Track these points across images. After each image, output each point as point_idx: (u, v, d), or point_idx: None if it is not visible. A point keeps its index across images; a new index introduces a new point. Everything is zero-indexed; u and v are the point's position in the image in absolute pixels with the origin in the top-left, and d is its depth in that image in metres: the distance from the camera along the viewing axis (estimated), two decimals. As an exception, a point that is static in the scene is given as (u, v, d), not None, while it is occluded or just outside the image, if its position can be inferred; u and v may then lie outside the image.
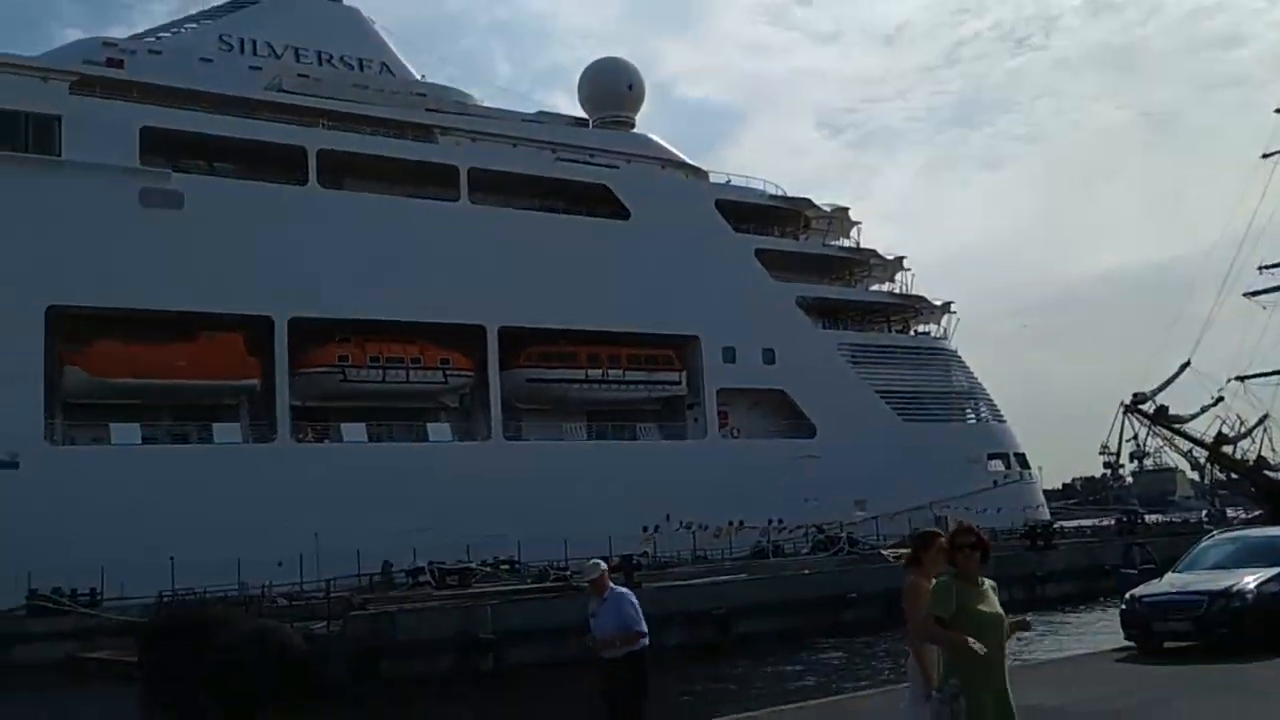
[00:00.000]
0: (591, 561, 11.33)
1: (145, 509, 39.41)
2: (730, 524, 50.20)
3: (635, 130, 62.99)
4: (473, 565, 38.54)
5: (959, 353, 66.87)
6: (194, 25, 54.55)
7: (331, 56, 54.15)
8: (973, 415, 66.49)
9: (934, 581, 6.80)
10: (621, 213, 56.66)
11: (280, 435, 46.35)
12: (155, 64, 49.31)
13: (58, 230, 41.92)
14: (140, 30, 56.03)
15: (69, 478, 39.68)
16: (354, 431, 47.88)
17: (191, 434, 45.38)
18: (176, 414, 45.59)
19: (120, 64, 48.55)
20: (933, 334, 68.07)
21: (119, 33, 56.10)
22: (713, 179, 63.82)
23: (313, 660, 24.58)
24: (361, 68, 54.91)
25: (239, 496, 41.71)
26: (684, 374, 56.85)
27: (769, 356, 58.31)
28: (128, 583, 35.88)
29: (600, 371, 54.47)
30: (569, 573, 35.00)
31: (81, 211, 42.63)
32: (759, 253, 60.29)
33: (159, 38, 53.33)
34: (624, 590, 10.98)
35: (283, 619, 27.87)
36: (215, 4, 55.90)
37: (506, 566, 40.16)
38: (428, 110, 54.90)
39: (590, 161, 57.77)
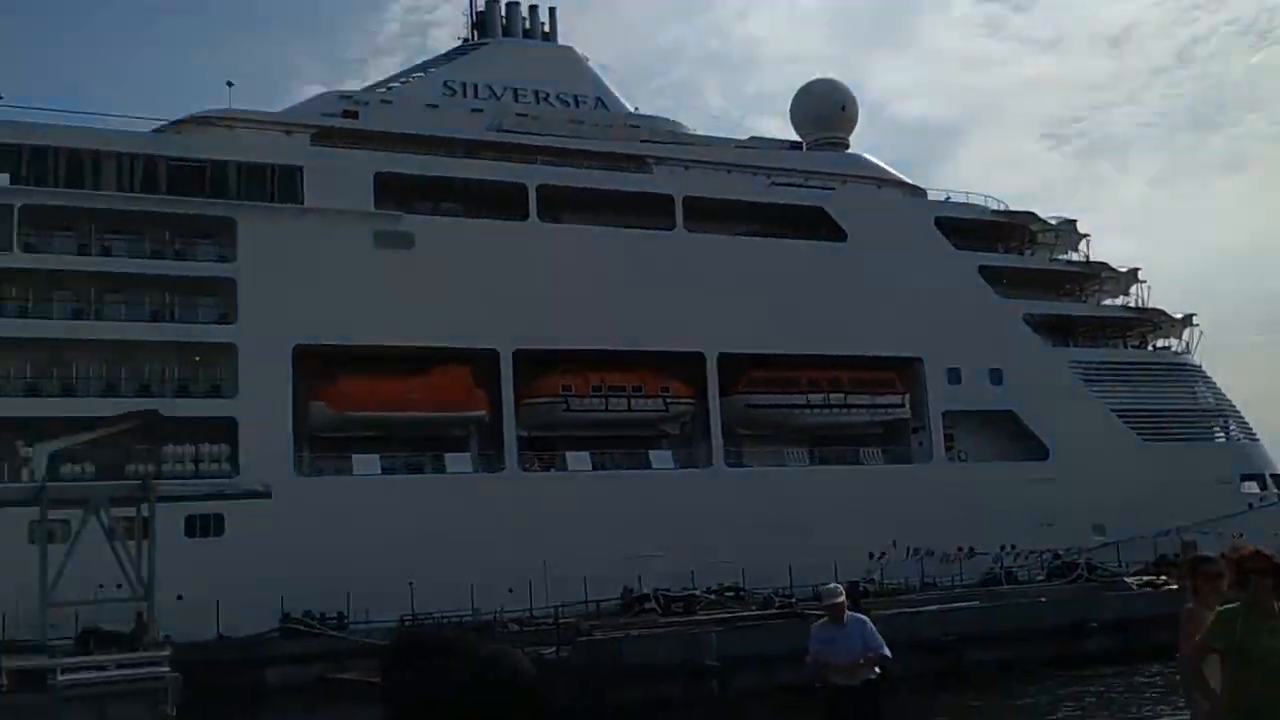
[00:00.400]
0: (830, 586, 11.07)
1: (385, 536, 41.22)
2: (960, 550, 48.63)
3: (849, 151, 62.32)
4: (697, 592, 38.66)
5: (1204, 368, 62.99)
6: (420, 74, 57.23)
7: (548, 95, 55.78)
8: (1221, 434, 62.38)
9: (1217, 610, 6.14)
10: (838, 235, 56.04)
11: (508, 464, 47.70)
12: (386, 113, 51.95)
13: (301, 273, 44.59)
14: (372, 82, 59.18)
15: (316, 507, 41.91)
16: (579, 460, 48.84)
17: (426, 464, 47.19)
18: (412, 445, 47.53)
19: (355, 115, 51.40)
20: (1173, 349, 64.34)
21: (353, 85, 59.44)
22: (931, 196, 62.46)
23: (542, 685, 25.03)
24: (577, 104, 56.35)
25: (471, 524, 43.13)
26: (907, 396, 55.54)
27: (996, 377, 56.39)
28: (372, 607, 37.71)
29: (821, 396, 53.81)
30: (794, 600, 34.67)
31: (322, 255, 45.21)
32: (983, 270, 58.49)
33: (389, 88, 56.17)
34: (862, 615, 10.69)
35: (513, 644, 28.51)
36: (439, 53, 58.68)
37: (731, 593, 40.08)
38: (642, 142, 55.84)
39: (805, 184, 57.44)
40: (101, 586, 31.15)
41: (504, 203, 50.45)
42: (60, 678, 25.00)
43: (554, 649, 27.21)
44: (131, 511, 31.75)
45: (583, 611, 36.15)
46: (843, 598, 10.49)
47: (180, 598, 33.85)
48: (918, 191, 62.31)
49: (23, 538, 34.07)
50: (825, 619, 10.57)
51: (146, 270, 44.48)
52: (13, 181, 43.44)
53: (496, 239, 49.00)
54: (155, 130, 47.85)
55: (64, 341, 42.71)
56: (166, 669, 26.36)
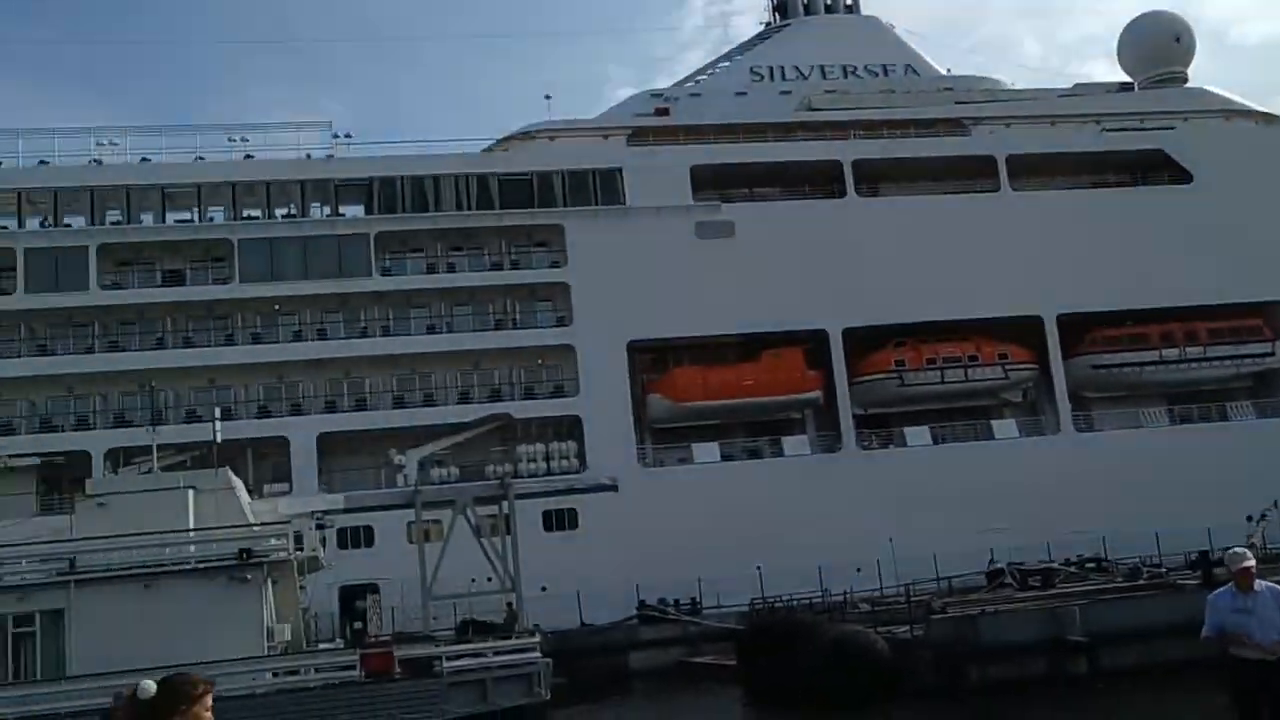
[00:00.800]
0: (1236, 550, 10.04)
1: (730, 522, 41.92)
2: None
3: (1188, 85, 57.66)
4: (1055, 565, 36.96)
5: None
6: (726, 64, 57.82)
7: (856, 68, 54.94)
8: None
9: None
10: (1182, 176, 52.04)
11: (846, 444, 47.43)
12: (696, 106, 52.81)
13: (629, 271, 46.08)
14: (680, 78, 60.29)
15: (661, 496, 43.21)
16: (917, 435, 47.88)
17: (764, 448, 47.67)
18: (748, 430, 48.12)
19: (666, 112, 52.58)
20: None
21: (662, 83, 60.80)
22: (1290, 121, 56.80)
23: (896, 665, 24.71)
24: (886, 73, 55.17)
25: (813, 506, 43.17)
26: (1277, 343, 50.84)
27: (1388, 314, 50.61)
28: (722, 591, 38.53)
29: (1177, 350, 50.16)
30: (1164, 569, 32.58)
31: (648, 251, 46.53)
32: (1360, 196, 52.59)
33: (697, 81, 57.13)
34: (1274, 585, 9.59)
35: (865, 624, 28.31)
36: (743, 40, 59.07)
37: (1092, 564, 38.03)
38: (956, 104, 54.04)
39: (1140, 127, 53.69)
40: (474, 580, 33.50)
41: (820, 181, 50.21)
42: (445, 664, 26.99)
43: (907, 628, 26.76)
44: (494, 509, 33.89)
45: (935, 589, 35.30)
46: (1251, 562, 9.37)
47: (544, 589, 35.84)
48: (1273, 120, 56.84)
49: (403, 538, 37.21)
50: (1228, 586, 9.50)
51: (488, 282, 47.29)
52: (366, 212, 47.42)
53: (816, 219, 48.82)
54: (484, 150, 50.83)
55: (421, 355, 46.10)
56: (538, 655, 27.91)
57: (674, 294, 46.14)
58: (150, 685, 3.34)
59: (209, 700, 3.42)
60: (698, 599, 39.65)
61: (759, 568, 38.48)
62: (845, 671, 23.99)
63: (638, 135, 51.01)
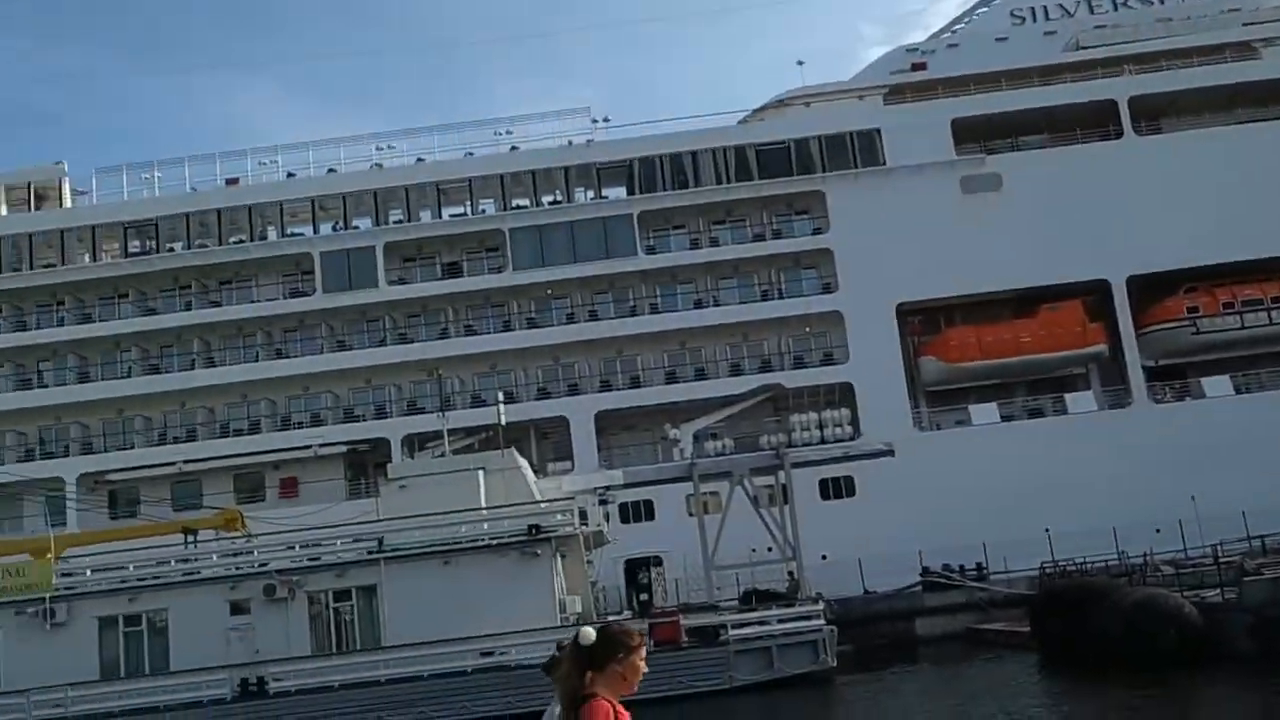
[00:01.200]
0: None
1: (1013, 484, 40.53)
2: None
3: None
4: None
5: None
6: (984, 10, 55.38)
7: (1127, -1, 51.61)
8: None
9: None
10: None
11: (1137, 398, 44.96)
12: (954, 57, 50.88)
13: (894, 233, 45.11)
14: (935, 30, 58.34)
15: (939, 460, 42.22)
16: (1217, 385, 44.76)
17: (1046, 407, 45.81)
18: (1028, 389, 46.37)
19: (923, 66, 50.94)
20: None
21: (916, 38, 59.02)
22: None
23: (1205, 631, 23.37)
24: (1161, 0, 51.55)
25: (1103, 464, 41.12)
26: None
27: None
28: (1010, 556, 37.41)
29: None
30: None
31: (911, 211, 45.41)
32: None
33: (954, 31, 55.00)
34: None
35: (1169, 588, 26.87)
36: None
37: None
38: (1244, 26, 49.84)
39: None
40: (754, 550, 33.92)
41: (1092, 123, 47.47)
42: (731, 633, 27.48)
43: (1217, 591, 25.22)
44: (770, 479, 34.11)
45: (1246, 549, 33.01)
46: None
47: (824, 557, 35.84)
48: None
49: (683, 510, 37.98)
50: None
51: (751, 253, 47.35)
52: (628, 193, 48.37)
53: (1090, 163, 46.27)
54: (740, 121, 50.82)
55: (690, 330, 46.72)
56: (822, 622, 28.00)
57: (942, 253, 44.87)
58: (590, 632, 3.64)
59: (643, 651, 3.68)
60: (984, 564, 38.63)
61: (1047, 530, 37.08)
62: (1148, 637, 22.92)
63: (894, 93, 49.70)
